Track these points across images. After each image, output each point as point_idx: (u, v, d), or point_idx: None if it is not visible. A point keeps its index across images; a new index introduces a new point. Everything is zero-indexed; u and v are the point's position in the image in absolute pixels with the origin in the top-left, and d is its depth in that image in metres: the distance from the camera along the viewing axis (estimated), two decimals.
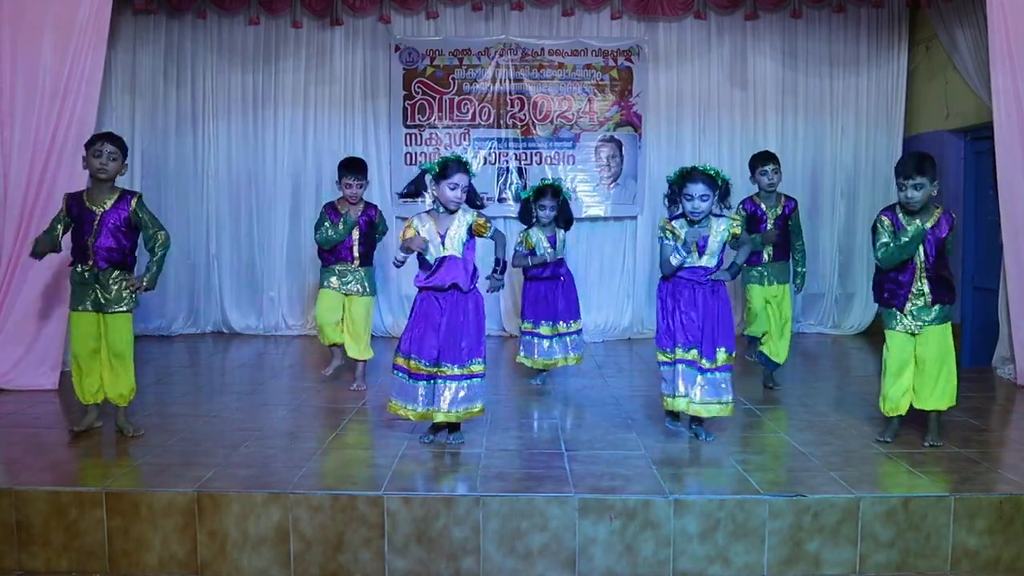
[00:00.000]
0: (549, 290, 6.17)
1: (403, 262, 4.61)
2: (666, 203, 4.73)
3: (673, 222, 4.64)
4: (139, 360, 7.16)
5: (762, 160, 6.05)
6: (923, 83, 8.35)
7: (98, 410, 4.97)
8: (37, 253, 4.79)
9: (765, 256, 6.00)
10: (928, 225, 4.52)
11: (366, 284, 6.13)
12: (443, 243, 4.56)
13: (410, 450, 4.63)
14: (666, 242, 4.65)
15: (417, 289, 4.68)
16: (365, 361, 6.20)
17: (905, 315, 4.63)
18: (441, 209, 4.60)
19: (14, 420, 5.29)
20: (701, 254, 4.63)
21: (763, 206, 6.01)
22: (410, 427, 5.01)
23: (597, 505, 3.92)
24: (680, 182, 4.60)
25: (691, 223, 4.61)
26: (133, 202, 4.82)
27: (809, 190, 8.61)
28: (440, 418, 4.60)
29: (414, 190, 4.67)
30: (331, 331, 6.17)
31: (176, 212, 8.51)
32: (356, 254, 6.06)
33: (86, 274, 4.75)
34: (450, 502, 3.94)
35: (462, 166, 4.55)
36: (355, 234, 6.04)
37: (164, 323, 8.54)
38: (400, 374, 4.68)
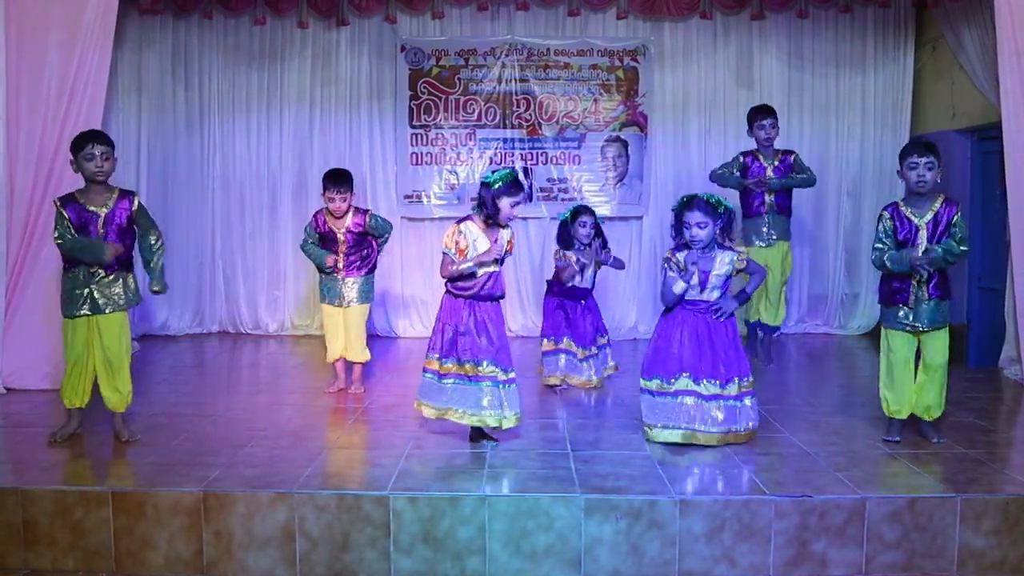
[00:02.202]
0: (571, 309, 6.10)
1: (472, 274, 4.58)
2: (672, 233, 4.75)
3: (677, 253, 4.65)
4: (144, 360, 7.24)
5: (760, 114, 5.98)
6: (929, 83, 8.33)
7: (81, 415, 4.89)
8: (108, 256, 4.63)
9: (765, 207, 5.92)
10: (926, 220, 4.54)
11: (360, 292, 5.95)
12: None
13: (415, 450, 4.63)
14: (669, 273, 4.66)
15: (451, 295, 4.67)
16: (363, 364, 6.13)
17: (908, 311, 4.62)
18: (490, 221, 4.59)
19: (20, 420, 5.30)
20: (703, 288, 4.64)
21: (761, 158, 5.96)
22: (414, 428, 5.02)
23: (603, 505, 3.92)
24: (680, 210, 4.63)
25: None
26: (135, 202, 4.78)
27: (814, 189, 8.47)
28: (506, 424, 4.62)
29: (494, 211, 4.55)
30: (335, 345, 6.01)
31: (182, 212, 8.52)
32: (341, 266, 5.85)
33: (83, 276, 4.66)
34: (456, 502, 3.94)
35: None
36: (341, 247, 5.85)
37: (170, 323, 8.55)
38: (440, 378, 4.66)
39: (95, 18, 5.90)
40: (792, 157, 6.03)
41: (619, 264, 6.19)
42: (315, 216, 5.97)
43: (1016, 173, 6.10)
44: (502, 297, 4.72)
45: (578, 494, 3.96)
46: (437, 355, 4.67)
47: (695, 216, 4.54)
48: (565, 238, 6.05)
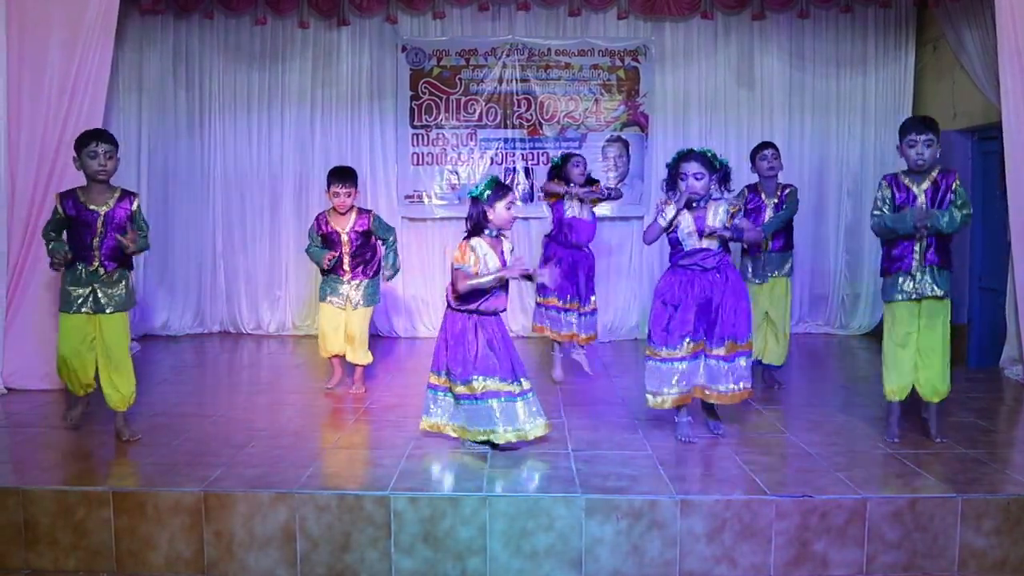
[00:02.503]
0: (570, 262, 6.15)
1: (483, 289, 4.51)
2: (663, 187, 4.77)
3: (672, 200, 4.66)
4: (145, 360, 7.24)
5: (761, 147, 6.09)
6: (930, 83, 8.33)
7: (87, 398, 4.97)
8: (58, 263, 4.66)
9: (764, 244, 5.99)
10: (923, 188, 4.58)
11: (366, 295, 5.95)
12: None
13: (416, 450, 4.63)
14: (659, 214, 4.67)
15: (452, 311, 4.61)
16: (364, 365, 6.12)
17: (908, 277, 4.61)
18: (494, 232, 4.56)
19: (21, 419, 5.30)
20: (700, 236, 4.63)
21: (763, 195, 6.01)
22: (415, 428, 5.01)
23: (603, 505, 3.92)
24: (676, 163, 4.65)
25: (688, 205, 4.62)
26: (136, 203, 4.80)
27: (815, 190, 8.59)
28: (533, 435, 4.56)
29: (478, 222, 4.52)
30: (331, 343, 6.00)
31: (183, 212, 8.52)
32: (347, 267, 5.87)
33: (84, 274, 4.67)
34: (456, 502, 3.94)
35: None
36: (345, 248, 5.84)
37: (170, 323, 8.55)
38: (458, 399, 4.59)
39: (96, 17, 5.91)
40: (787, 191, 6.07)
41: (617, 193, 6.24)
42: (316, 219, 5.97)
43: (1016, 173, 6.10)
44: (503, 310, 4.68)
45: (579, 494, 3.96)
46: (446, 372, 4.62)
47: (692, 167, 4.56)
48: (560, 177, 6.17)
